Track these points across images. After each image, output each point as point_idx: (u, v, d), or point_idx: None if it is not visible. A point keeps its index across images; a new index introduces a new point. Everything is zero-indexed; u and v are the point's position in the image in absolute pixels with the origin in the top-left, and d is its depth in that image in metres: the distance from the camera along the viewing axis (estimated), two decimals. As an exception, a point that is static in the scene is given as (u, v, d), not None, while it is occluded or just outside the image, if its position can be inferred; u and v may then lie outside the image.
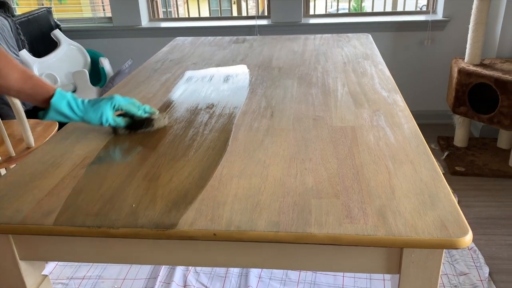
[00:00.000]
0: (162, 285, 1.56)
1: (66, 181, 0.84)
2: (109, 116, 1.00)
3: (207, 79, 1.40)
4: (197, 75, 1.45)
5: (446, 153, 2.46)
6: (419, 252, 0.67)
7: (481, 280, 1.56)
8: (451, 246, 0.63)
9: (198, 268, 1.63)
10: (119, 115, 1.03)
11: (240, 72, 1.46)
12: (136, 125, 1.04)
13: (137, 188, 0.80)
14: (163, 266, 1.64)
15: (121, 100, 1.02)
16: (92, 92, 2.48)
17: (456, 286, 1.54)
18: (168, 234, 0.68)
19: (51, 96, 0.96)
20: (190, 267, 1.64)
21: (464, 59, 2.40)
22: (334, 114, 1.10)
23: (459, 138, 2.52)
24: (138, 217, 0.72)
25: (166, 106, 1.20)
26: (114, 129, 1.04)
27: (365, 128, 1.00)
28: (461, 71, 2.28)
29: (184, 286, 1.56)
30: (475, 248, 1.72)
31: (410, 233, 0.65)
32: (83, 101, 1.00)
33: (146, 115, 1.04)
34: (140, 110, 1.04)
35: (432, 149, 2.54)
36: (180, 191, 0.78)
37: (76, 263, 1.69)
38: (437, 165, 0.83)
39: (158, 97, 1.27)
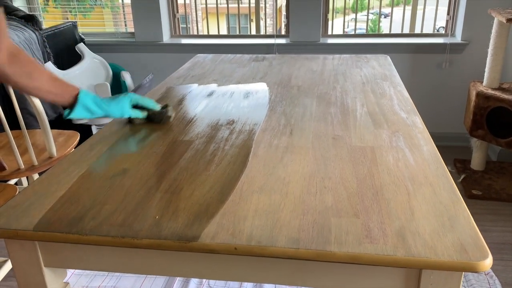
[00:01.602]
0: (175, 298, 1.57)
1: (92, 191, 0.86)
2: (128, 109, 1.17)
3: (228, 96, 1.43)
4: (218, 91, 1.48)
5: (462, 176, 2.44)
6: (438, 274, 0.68)
7: (497, 307, 1.53)
8: (471, 269, 0.64)
9: (212, 283, 1.64)
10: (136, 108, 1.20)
11: (260, 90, 1.49)
12: (151, 117, 1.22)
13: (160, 200, 0.82)
14: (177, 279, 1.65)
15: (136, 97, 1.20)
16: (112, 104, 2.53)
17: (472, 311, 1.52)
18: (190, 247, 0.70)
19: (77, 94, 1.08)
20: (204, 281, 1.64)
21: (482, 82, 2.40)
22: (353, 134, 1.11)
23: (476, 162, 2.50)
24: (161, 228, 0.74)
25: (188, 121, 1.22)
26: (130, 119, 1.22)
27: (384, 149, 1.01)
28: (479, 95, 2.28)
29: (197, 300, 1.56)
30: (492, 273, 1.70)
31: (430, 254, 0.65)
32: (104, 98, 1.14)
33: (158, 108, 1.22)
34: (152, 103, 1.22)
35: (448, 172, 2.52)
36: (202, 204, 0.80)
37: (92, 273, 1.71)
38: (456, 187, 0.84)
39: (180, 112, 1.30)
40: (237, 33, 3.11)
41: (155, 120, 1.22)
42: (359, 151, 1.01)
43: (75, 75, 2.58)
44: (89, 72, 2.66)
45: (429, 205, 0.78)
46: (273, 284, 1.62)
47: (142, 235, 0.72)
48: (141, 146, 1.07)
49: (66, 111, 1.08)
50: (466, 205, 2.18)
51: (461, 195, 2.27)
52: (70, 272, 1.71)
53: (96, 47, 2.90)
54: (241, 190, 0.85)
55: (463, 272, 0.67)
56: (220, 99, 1.41)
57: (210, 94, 1.46)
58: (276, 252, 0.68)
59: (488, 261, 0.64)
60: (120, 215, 0.78)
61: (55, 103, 1.08)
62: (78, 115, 1.08)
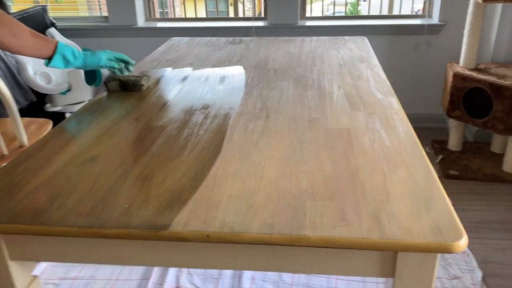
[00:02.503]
0: (154, 286, 1.55)
1: (58, 180, 0.83)
2: (105, 60, 1.26)
3: (203, 80, 1.40)
4: (193, 75, 1.44)
5: (440, 157, 2.46)
6: (414, 256, 0.67)
7: (474, 284, 1.56)
8: (446, 250, 0.63)
9: (191, 269, 1.62)
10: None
11: (236, 73, 1.46)
12: (125, 84, 1.30)
13: (130, 188, 0.79)
14: (156, 267, 1.63)
15: (113, 52, 1.29)
16: (87, 91, 2.47)
17: (449, 289, 1.54)
18: (160, 235, 0.68)
19: (56, 45, 1.18)
20: (183, 268, 1.63)
21: (459, 63, 2.41)
22: (330, 116, 1.09)
23: (453, 142, 2.53)
24: (131, 217, 0.71)
25: (161, 106, 1.19)
26: (106, 86, 1.30)
27: (360, 131, 1.00)
28: (456, 76, 2.29)
29: (177, 287, 1.54)
30: (469, 252, 1.72)
31: (405, 236, 0.64)
32: (82, 51, 1.23)
33: (132, 70, 1.34)
34: (128, 58, 1.33)
35: (426, 153, 2.54)
36: (174, 191, 0.78)
37: (68, 263, 1.67)
38: (432, 167, 0.83)
39: (153, 97, 1.26)
40: (216, 16, 3.05)
41: (128, 87, 1.30)
42: (335, 134, 0.99)
43: (47, 61, 2.49)
44: (61, 57, 2.57)
45: (404, 187, 0.77)
46: (252, 270, 1.61)
47: (111, 224, 0.70)
48: (112, 132, 1.03)
49: (46, 61, 1.19)
50: (444, 185, 2.21)
51: (439, 175, 2.30)
52: (45, 263, 1.67)
53: (68, 32, 2.81)
54: (215, 175, 0.83)
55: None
56: (195, 83, 1.37)
57: (185, 78, 1.42)
58: (249, 238, 0.66)
59: (463, 242, 0.63)
60: (88, 204, 0.75)
61: (36, 57, 1.17)
62: (56, 64, 1.19)
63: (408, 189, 0.76)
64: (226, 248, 0.71)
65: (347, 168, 0.84)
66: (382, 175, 0.81)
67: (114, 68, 1.31)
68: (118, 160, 0.90)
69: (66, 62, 1.20)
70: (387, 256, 0.69)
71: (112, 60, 1.30)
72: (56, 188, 0.80)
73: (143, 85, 1.31)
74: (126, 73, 1.36)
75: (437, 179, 0.79)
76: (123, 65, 1.33)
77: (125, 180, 0.82)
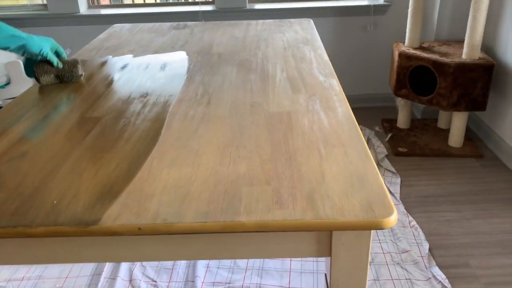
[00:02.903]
0: (107, 281, 1.51)
1: (-18, 179, 0.78)
2: (47, 49, 1.18)
3: (143, 67, 1.35)
4: (133, 63, 1.39)
5: (389, 135, 2.53)
6: (348, 234, 0.68)
7: (421, 256, 1.62)
8: (376, 227, 0.64)
9: (144, 262, 1.60)
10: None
11: (178, 59, 1.42)
12: (61, 76, 1.24)
13: (60, 183, 0.76)
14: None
15: (57, 45, 1.23)
16: (28, 84, 2.35)
17: (398, 263, 1.59)
18: (90, 231, 0.65)
19: None
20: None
21: (404, 43, 2.47)
22: (272, 100, 1.09)
23: (402, 120, 2.60)
24: (59, 214, 0.68)
25: (98, 96, 1.14)
26: (38, 80, 1.24)
27: (300, 113, 1.00)
28: (402, 55, 2.34)
29: (130, 280, 1.52)
30: (416, 225, 1.79)
31: (337, 216, 0.65)
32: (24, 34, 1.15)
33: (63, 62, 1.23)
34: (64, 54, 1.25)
35: (376, 132, 2.61)
36: (106, 185, 0.75)
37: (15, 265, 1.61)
38: (367, 146, 0.84)
39: (89, 87, 1.21)
40: (164, 1, 2.97)
41: (64, 79, 1.24)
42: (276, 117, 0.99)
43: (-18, 53, 2.35)
44: (-3, 49, 2.43)
45: (339, 167, 0.77)
46: (188, 260, 1.61)
47: (37, 222, 0.66)
48: (44, 125, 0.98)
49: None
50: (393, 162, 2.28)
51: (388, 153, 2.36)
52: (-11, 266, 1.59)
53: (4, 21, 2.65)
54: (150, 166, 0.81)
55: (374, 230, 0.67)
56: (134, 71, 1.33)
57: (124, 66, 1.37)
58: (182, 228, 0.65)
59: (393, 218, 0.65)
60: (13, 203, 0.71)
61: None
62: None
63: (342, 169, 0.77)
64: (162, 239, 0.70)
65: (285, 151, 0.84)
66: (319, 157, 0.81)
67: (52, 63, 1.20)
68: (49, 155, 0.86)
69: (12, 38, 1.12)
70: (323, 236, 0.69)
71: (53, 54, 1.21)
72: (-22, 188, 0.75)
73: (81, 75, 1.25)
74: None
75: (371, 157, 0.80)
76: (61, 64, 1.23)
77: (55, 175, 0.78)
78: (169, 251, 0.71)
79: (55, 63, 1.21)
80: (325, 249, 0.71)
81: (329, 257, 0.72)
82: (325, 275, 0.78)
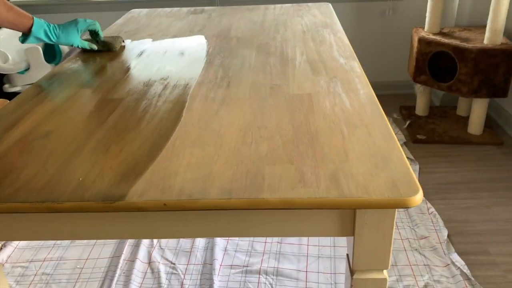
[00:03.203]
0: (126, 263, 1.54)
1: (10, 157, 0.79)
2: (77, 38, 1.27)
3: (162, 51, 1.36)
4: (153, 47, 1.40)
5: (408, 122, 2.50)
6: (372, 213, 0.68)
7: (440, 243, 1.61)
8: (402, 205, 0.64)
9: (163, 244, 1.62)
10: (86, 39, 1.34)
11: (197, 43, 1.42)
12: (105, 44, 1.35)
13: (85, 161, 0.77)
14: (127, 244, 1.61)
15: (83, 23, 1.29)
16: (46, 70, 2.37)
17: (416, 249, 1.59)
18: (116, 207, 0.66)
19: (31, 26, 1.18)
20: (155, 244, 1.62)
21: (424, 28, 2.42)
22: (292, 82, 1.08)
23: (420, 107, 2.57)
24: (85, 190, 0.69)
25: (119, 79, 1.15)
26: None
27: (321, 95, 1.00)
28: (421, 40, 2.30)
29: (149, 263, 1.54)
30: (435, 212, 1.77)
31: (362, 194, 0.64)
32: (56, 28, 1.24)
33: (106, 39, 1.35)
34: (96, 25, 1.35)
35: (394, 119, 2.58)
36: (130, 163, 0.76)
37: (37, 245, 1.64)
38: (397, 129, 0.83)
39: (110, 69, 1.22)
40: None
41: (106, 47, 1.36)
42: (297, 99, 0.98)
43: (2, 39, 2.38)
44: (17, 35, 2.45)
45: (363, 147, 0.77)
46: (225, 238, 1.62)
47: (64, 198, 0.67)
48: (67, 106, 0.99)
49: (20, 38, 1.21)
50: (411, 150, 2.26)
51: (407, 140, 2.34)
52: (12, 247, 1.63)
53: (24, 9, 2.68)
54: (173, 145, 0.81)
55: (397, 210, 0.67)
56: (154, 54, 1.33)
57: (144, 50, 1.38)
58: (207, 204, 0.65)
59: (419, 196, 0.64)
60: (40, 179, 0.72)
61: (12, 29, 1.18)
62: (30, 42, 1.22)
63: (366, 149, 0.76)
64: (185, 216, 0.70)
65: (307, 132, 0.84)
66: (341, 137, 0.81)
67: (86, 47, 1.33)
68: (72, 134, 0.87)
69: (40, 40, 1.22)
70: (346, 215, 0.69)
71: (84, 40, 1.33)
72: (6, 166, 0.77)
73: (124, 45, 1.40)
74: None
75: (395, 137, 0.80)
76: (95, 46, 1.35)
77: (79, 154, 0.79)
78: (193, 228, 0.72)
79: (87, 48, 1.34)
80: (348, 228, 0.71)
81: (352, 237, 0.72)
82: (346, 256, 0.78)
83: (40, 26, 1.19)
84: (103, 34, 1.38)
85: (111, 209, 0.66)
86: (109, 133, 0.86)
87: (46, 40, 1.22)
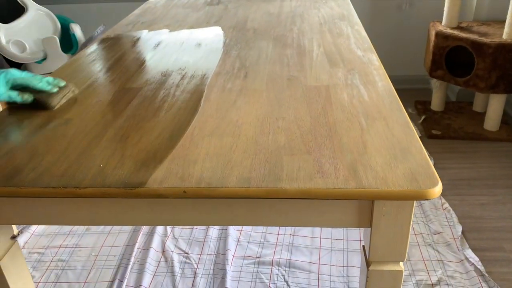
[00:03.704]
0: (140, 252, 1.56)
1: (31, 143, 0.81)
2: (4, 91, 0.90)
3: (180, 42, 1.36)
4: (170, 37, 1.40)
5: (423, 117, 2.48)
6: (390, 204, 0.67)
7: (454, 238, 1.60)
8: (421, 197, 0.63)
9: (177, 234, 1.63)
10: (18, 90, 0.93)
11: (214, 34, 1.42)
12: (35, 100, 0.93)
13: (105, 149, 0.78)
14: (141, 233, 1.63)
15: (16, 74, 0.92)
16: (63, 59, 2.40)
17: (430, 244, 1.58)
18: (137, 193, 0.67)
19: None
20: (169, 233, 1.64)
21: (441, 22, 2.39)
22: (309, 74, 1.08)
23: (436, 102, 2.54)
24: (106, 176, 0.70)
25: (137, 68, 1.16)
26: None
27: (339, 87, 0.99)
28: (439, 34, 2.28)
29: (163, 252, 1.56)
30: (449, 208, 1.76)
31: (381, 185, 0.64)
32: None
33: (49, 88, 0.94)
34: (41, 82, 0.94)
35: (409, 114, 2.56)
36: (150, 151, 0.76)
37: (53, 232, 1.67)
38: (411, 123, 0.83)
39: (128, 59, 1.23)
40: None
41: (38, 105, 0.94)
42: (314, 91, 0.98)
43: (19, 29, 2.41)
44: (35, 25, 2.49)
45: (381, 139, 0.77)
46: (238, 227, 1.63)
47: (85, 184, 0.68)
48: (86, 95, 1.01)
49: None
50: (426, 145, 2.24)
51: (422, 135, 2.32)
52: (29, 233, 1.66)
53: (40, 1, 2.71)
54: (191, 134, 0.82)
55: (416, 203, 0.67)
56: (171, 45, 1.34)
57: (161, 40, 1.39)
58: (226, 192, 0.66)
59: (438, 189, 0.64)
60: (62, 165, 0.73)
61: None
62: None
63: (385, 141, 0.76)
64: (204, 204, 0.71)
65: (325, 123, 0.83)
66: (360, 129, 0.81)
67: (16, 101, 0.93)
68: (92, 122, 0.88)
69: None
70: (364, 206, 0.69)
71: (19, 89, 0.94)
72: (28, 151, 0.78)
73: (52, 106, 0.94)
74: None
75: (414, 130, 0.79)
76: (28, 98, 0.93)
77: (99, 141, 0.81)
78: (211, 216, 0.72)
79: (17, 101, 0.93)
80: (365, 219, 0.71)
81: (369, 228, 0.72)
82: (362, 247, 0.78)
83: None
84: (116, 26, 1.32)
85: (131, 195, 0.67)
86: (128, 121, 0.87)
87: None
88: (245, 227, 1.66)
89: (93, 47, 1.35)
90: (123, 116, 0.90)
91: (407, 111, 2.59)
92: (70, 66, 1.21)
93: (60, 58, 2.38)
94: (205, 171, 0.70)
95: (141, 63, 1.20)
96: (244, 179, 0.68)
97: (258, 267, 1.48)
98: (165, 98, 0.97)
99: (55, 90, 0.96)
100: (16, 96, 0.92)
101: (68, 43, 2.58)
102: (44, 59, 2.41)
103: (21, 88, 0.93)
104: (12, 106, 0.95)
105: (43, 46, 2.36)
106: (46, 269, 1.51)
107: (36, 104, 0.94)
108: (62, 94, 0.96)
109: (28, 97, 0.93)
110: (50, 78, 0.97)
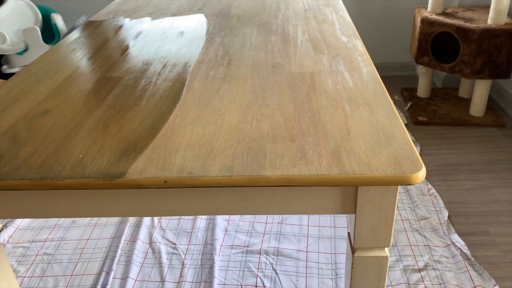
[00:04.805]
0: (127, 244, 1.54)
1: (8, 135, 0.79)
2: None
3: (162, 30, 1.34)
4: (152, 25, 1.38)
5: (409, 104, 2.48)
6: (374, 190, 0.67)
7: (440, 223, 1.61)
8: (405, 182, 0.63)
9: (164, 225, 1.62)
10: None
11: (197, 21, 1.40)
12: None
13: (84, 139, 0.76)
14: (128, 224, 1.62)
15: None
16: (45, 50, 2.35)
17: (417, 230, 1.59)
18: (116, 184, 0.65)
19: None
20: (156, 224, 1.62)
21: (427, 8, 2.39)
22: (293, 61, 1.06)
23: (422, 89, 2.55)
24: (85, 168, 0.68)
25: (117, 57, 1.13)
26: None
27: (323, 73, 0.98)
28: (424, 20, 2.27)
29: (150, 243, 1.55)
30: (436, 193, 1.77)
31: (364, 171, 0.64)
32: None
33: None
34: None
35: (396, 101, 2.56)
36: (130, 140, 0.75)
37: (38, 226, 1.65)
38: (397, 109, 0.82)
39: (109, 48, 1.20)
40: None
41: None
42: (299, 77, 0.97)
43: (0, 19, 2.35)
44: (15, 15, 2.43)
45: (365, 124, 0.76)
46: (226, 216, 1.62)
47: (63, 175, 0.67)
48: (65, 85, 0.98)
49: None
50: (413, 131, 2.25)
51: (408, 122, 2.33)
52: (13, 227, 1.63)
53: (20, -12, 2.64)
54: (173, 123, 0.80)
55: (403, 189, 0.66)
56: (153, 33, 1.31)
57: (143, 28, 1.36)
58: (208, 181, 0.65)
59: (421, 173, 0.63)
60: (39, 157, 0.72)
61: None
62: None
63: (368, 127, 0.75)
64: (186, 193, 0.70)
65: (309, 110, 0.82)
66: (344, 115, 0.80)
67: None
68: (72, 113, 0.86)
69: None
70: (348, 192, 0.69)
71: None
72: (5, 143, 0.76)
73: None
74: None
75: (398, 115, 0.79)
76: None
77: (78, 132, 0.79)
78: (194, 205, 0.71)
79: None
80: (349, 205, 0.70)
81: (353, 215, 0.71)
82: (348, 234, 0.78)
83: None
84: (97, 15, 1.31)
85: (111, 186, 0.65)
86: (108, 111, 0.85)
87: None
88: (232, 217, 1.65)
89: (74, 36, 1.32)
90: (103, 105, 0.88)
91: (393, 98, 2.59)
92: (50, 55, 1.18)
93: (42, 49, 2.33)
94: (186, 160, 0.69)
95: (122, 52, 1.17)
96: (227, 167, 0.66)
97: (246, 256, 1.48)
98: (146, 87, 0.95)
99: None
100: None
101: (50, 33, 2.53)
102: (26, 50, 2.36)
103: None
104: (-12, 98, 0.93)
105: (24, 37, 2.31)
106: (32, 263, 1.49)
107: None
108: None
109: None
110: None
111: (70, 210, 0.72)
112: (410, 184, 0.63)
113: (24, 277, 1.43)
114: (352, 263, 0.74)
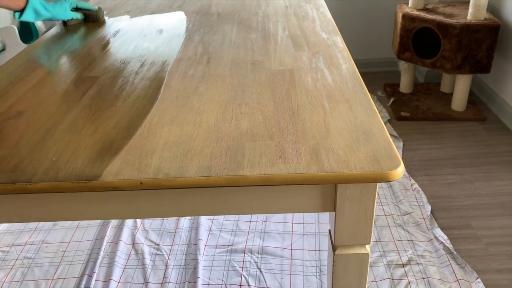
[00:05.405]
0: (109, 245, 1.52)
1: (-21, 138, 0.76)
2: (69, 12, 1.31)
3: (141, 28, 1.32)
4: (130, 24, 1.35)
5: (392, 100, 2.50)
6: (353, 187, 0.67)
7: (423, 218, 1.63)
8: (383, 179, 0.63)
9: (147, 226, 1.60)
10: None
11: (176, 19, 1.38)
12: (87, 17, 1.39)
13: (58, 141, 0.74)
14: (110, 226, 1.59)
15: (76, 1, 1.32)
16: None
17: (400, 225, 1.60)
18: (91, 186, 0.64)
19: (25, 3, 1.15)
20: (139, 225, 1.60)
21: (408, 4, 2.40)
22: (273, 58, 1.06)
23: (405, 84, 2.57)
24: (59, 170, 0.66)
25: (95, 56, 1.11)
26: (64, 22, 1.37)
27: (303, 71, 0.98)
28: (405, 16, 2.29)
29: (133, 244, 1.53)
30: (419, 188, 1.79)
31: (342, 168, 0.63)
32: (49, 3, 1.24)
33: (95, 9, 1.37)
34: (89, 6, 1.37)
35: (378, 97, 2.58)
36: (105, 142, 0.73)
37: (18, 229, 1.61)
38: (377, 106, 0.82)
39: (86, 47, 1.18)
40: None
41: (91, 19, 1.39)
42: (278, 75, 0.96)
43: (-25, 19, 2.29)
44: (-9, 14, 2.37)
45: (344, 122, 0.76)
46: (210, 216, 1.61)
47: (36, 179, 0.65)
48: (40, 85, 0.96)
49: (17, 14, 1.16)
50: (395, 127, 2.26)
51: (391, 118, 2.34)
52: (-8, 231, 1.60)
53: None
54: (150, 123, 0.79)
55: (386, 185, 0.66)
56: (132, 31, 1.29)
57: (121, 27, 1.34)
58: (185, 182, 0.64)
59: (400, 170, 0.63)
60: (12, 160, 0.70)
61: (8, 8, 1.14)
62: (27, 17, 1.17)
63: (347, 124, 0.75)
64: (163, 195, 0.69)
65: (288, 108, 0.82)
66: (323, 112, 0.79)
67: (78, 18, 1.37)
68: (46, 114, 0.84)
69: (37, 15, 1.19)
70: (327, 191, 0.68)
71: (75, 11, 1.35)
72: (-25, 147, 0.74)
73: (104, 20, 1.40)
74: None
75: (377, 112, 0.78)
76: (83, 16, 1.38)
77: (53, 134, 0.77)
78: (172, 207, 0.70)
79: (80, 18, 1.38)
80: (329, 203, 0.70)
81: (334, 212, 0.71)
82: (329, 231, 0.77)
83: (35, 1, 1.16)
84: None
85: (85, 189, 0.64)
86: (84, 112, 0.84)
87: (43, 11, 1.19)
88: (217, 216, 1.64)
89: (51, 35, 1.29)
90: (79, 106, 0.86)
91: (376, 94, 2.61)
92: (26, 54, 1.15)
93: (20, 49, 2.28)
94: (163, 161, 0.67)
95: (100, 51, 1.15)
96: (204, 168, 0.65)
97: (230, 255, 1.47)
98: (123, 87, 0.93)
99: (97, 8, 1.38)
100: (78, 15, 1.35)
101: (28, 33, 2.47)
102: (3, 49, 2.30)
103: (75, 9, 1.35)
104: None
105: (1, 36, 2.26)
106: (11, 268, 1.46)
107: (87, 19, 1.39)
108: (101, 12, 1.40)
109: (81, 15, 1.37)
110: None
111: (46, 214, 0.70)
112: (389, 181, 0.63)
113: (4, 282, 1.40)
114: (333, 261, 0.74)
